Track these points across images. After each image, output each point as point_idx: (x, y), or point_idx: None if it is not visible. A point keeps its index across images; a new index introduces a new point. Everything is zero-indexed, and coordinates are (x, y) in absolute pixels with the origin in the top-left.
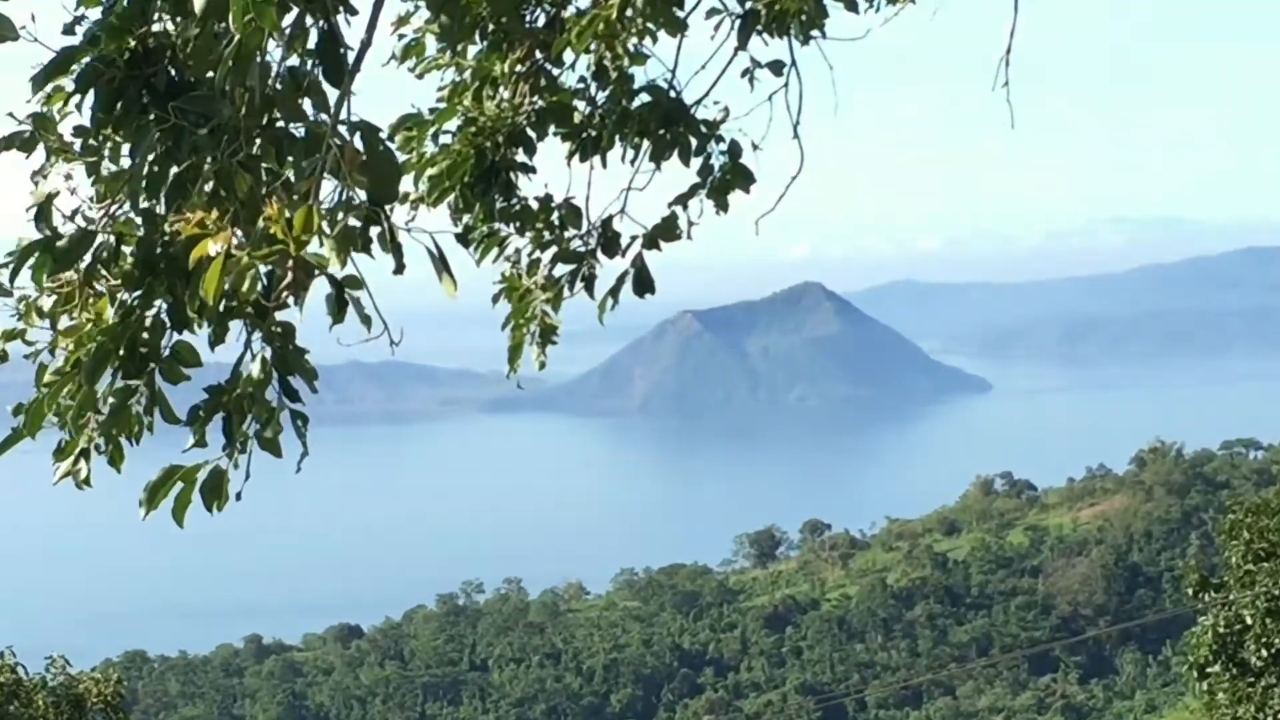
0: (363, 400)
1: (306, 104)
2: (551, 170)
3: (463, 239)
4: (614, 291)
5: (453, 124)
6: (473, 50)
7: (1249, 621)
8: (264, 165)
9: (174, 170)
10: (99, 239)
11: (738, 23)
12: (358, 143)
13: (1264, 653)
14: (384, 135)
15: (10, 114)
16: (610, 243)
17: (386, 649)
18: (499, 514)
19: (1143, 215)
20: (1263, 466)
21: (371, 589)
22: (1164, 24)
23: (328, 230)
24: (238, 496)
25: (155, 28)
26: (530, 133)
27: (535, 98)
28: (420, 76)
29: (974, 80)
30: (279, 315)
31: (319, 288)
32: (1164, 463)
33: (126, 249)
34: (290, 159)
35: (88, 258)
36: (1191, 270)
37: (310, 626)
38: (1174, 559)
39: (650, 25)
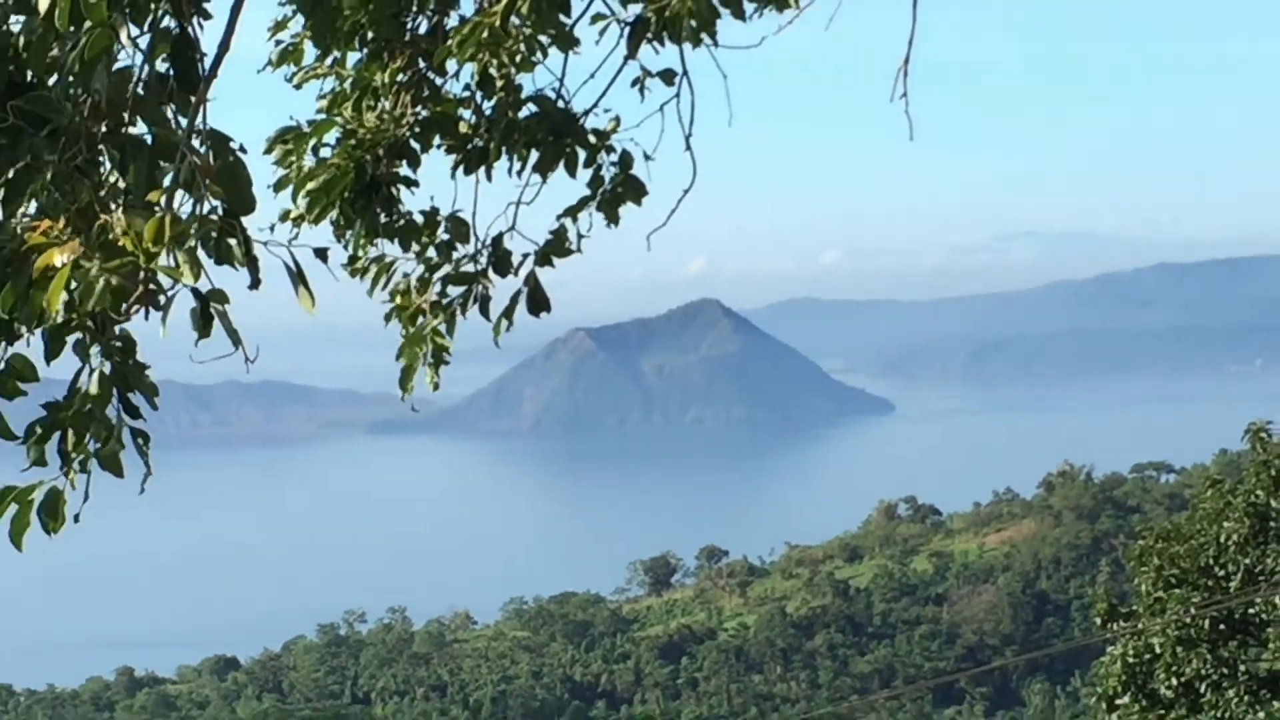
0: (240, 422)
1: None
2: (436, 184)
3: (350, 269)
4: (508, 312)
5: (332, 136)
6: (352, 58)
7: (1159, 651)
8: (109, 171)
9: (11, 171)
10: None
11: (626, 30)
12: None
13: (1174, 682)
14: (235, 145)
15: None
16: (501, 261)
17: (265, 681)
18: (383, 540)
19: (1052, 230)
20: (1175, 490)
21: (249, 618)
22: (1073, 35)
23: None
24: (75, 518)
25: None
26: (413, 144)
27: (418, 108)
28: (298, 86)
29: (875, 91)
30: (120, 328)
31: (182, 302)
32: (1073, 487)
33: None
34: (134, 166)
35: None
36: (1102, 287)
37: (185, 658)
38: (1083, 586)
39: (539, 38)
